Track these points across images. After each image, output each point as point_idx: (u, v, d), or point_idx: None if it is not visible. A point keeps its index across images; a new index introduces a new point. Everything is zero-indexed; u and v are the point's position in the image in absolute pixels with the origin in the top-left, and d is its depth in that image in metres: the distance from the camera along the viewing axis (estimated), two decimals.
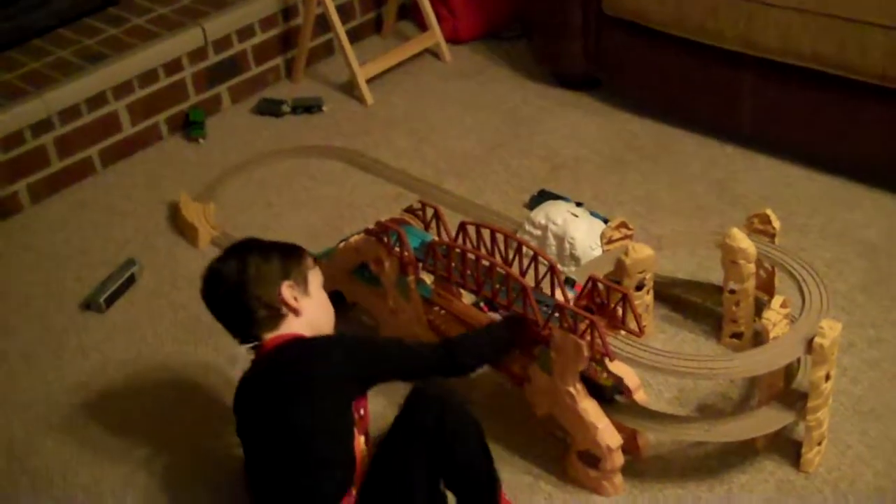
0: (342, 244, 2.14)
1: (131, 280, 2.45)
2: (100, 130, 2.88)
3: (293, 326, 1.74)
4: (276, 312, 1.73)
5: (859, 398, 1.99)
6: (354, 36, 3.32)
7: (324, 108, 3.10)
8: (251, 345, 1.74)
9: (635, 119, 2.91)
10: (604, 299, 1.79)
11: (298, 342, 1.73)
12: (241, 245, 1.82)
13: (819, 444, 1.84)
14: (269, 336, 1.73)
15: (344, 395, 1.68)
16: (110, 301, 2.40)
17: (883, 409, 1.96)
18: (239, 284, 1.73)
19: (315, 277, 1.81)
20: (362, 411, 1.73)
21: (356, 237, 2.10)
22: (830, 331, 1.73)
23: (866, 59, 2.37)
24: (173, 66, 2.99)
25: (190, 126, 3.03)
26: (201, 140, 3.00)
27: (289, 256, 1.79)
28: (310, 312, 1.76)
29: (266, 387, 1.69)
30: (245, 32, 3.12)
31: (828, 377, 1.76)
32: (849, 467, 1.86)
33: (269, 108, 3.11)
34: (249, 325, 1.74)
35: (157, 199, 2.76)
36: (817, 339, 1.72)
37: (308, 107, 3.10)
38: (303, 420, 1.63)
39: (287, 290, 1.73)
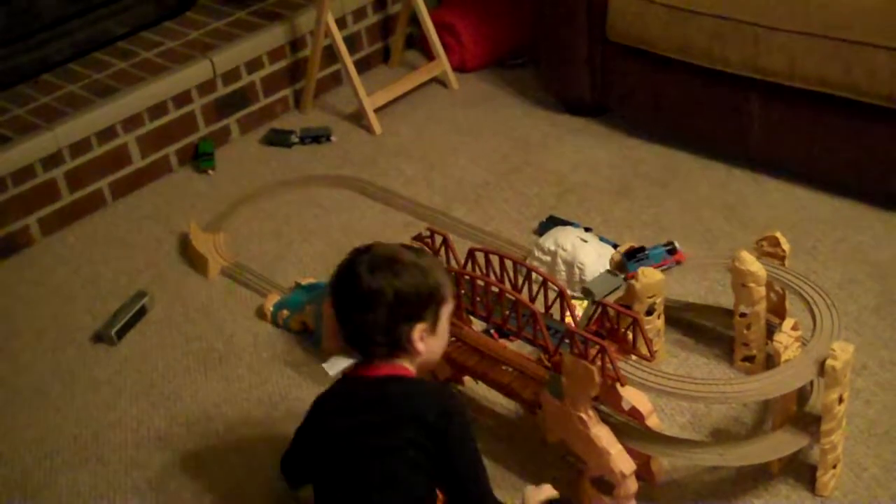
0: None
1: (142, 312, 2.46)
2: (110, 163, 2.90)
3: (405, 362, 1.66)
4: (397, 347, 1.64)
5: (873, 420, 1.98)
6: (362, 66, 3.34)
7: (332, 138, 3.12)
8: (354, 362, 1.68)
9: (643, 144, 2.92)
10: (614, 324, 1.79)
11: (412, 384, 1.65)
12: (398, 260, 1.64)
13: (834, 467, 1.83)
14: (379, 362, 1.65)
15: (428, 465, 1.60)
16: (121, 333, 2.40)
17: None
18: (372, 303, 1.61)
19: (446, 311, 1.69)
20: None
21: None
22: (842, 353, 1.72)
23: (873, 81, 2.38)
24: (182, 99, 3.01)
25: (199, 157, 3.05)
26: (211, 171, 3.02)
27: (434, 293, 1.65)
28: (428, 352, 1.67)
29: (367, 417, 1.62)
30: (253, 64, 3.15)
31: (841, 400, 1.75)
32: (864, 490, 1.84)
33: (278, 139, 3.13)
34: (364, 341, 1.65)
35: (167, 231, 2.78)
36: (829, 362, 1.71)
37: (317, 137, 3.12)
38: (392, 466, 1.58)
39: (418, 333, 1.63)
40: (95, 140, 2.84)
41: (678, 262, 2.02)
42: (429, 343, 1.65)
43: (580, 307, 2.09)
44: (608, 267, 2.13)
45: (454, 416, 1.61)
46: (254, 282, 2.52)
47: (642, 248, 2.01)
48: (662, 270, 1.97)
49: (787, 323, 1.83)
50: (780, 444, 1.80)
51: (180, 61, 3.04)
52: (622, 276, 1.97)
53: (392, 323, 1.61)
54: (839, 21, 2.40)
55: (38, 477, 2.07)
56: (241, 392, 2.22)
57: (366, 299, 1.60)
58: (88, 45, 3.15)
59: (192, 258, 2.63)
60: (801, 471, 1.87)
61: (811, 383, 1.84)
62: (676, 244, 2.03)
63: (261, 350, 2.33)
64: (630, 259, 1.98)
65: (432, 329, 1.65)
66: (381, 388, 1.64)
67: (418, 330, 1.63)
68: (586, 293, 1.93)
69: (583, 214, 2.63)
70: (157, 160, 3.01)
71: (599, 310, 1.80)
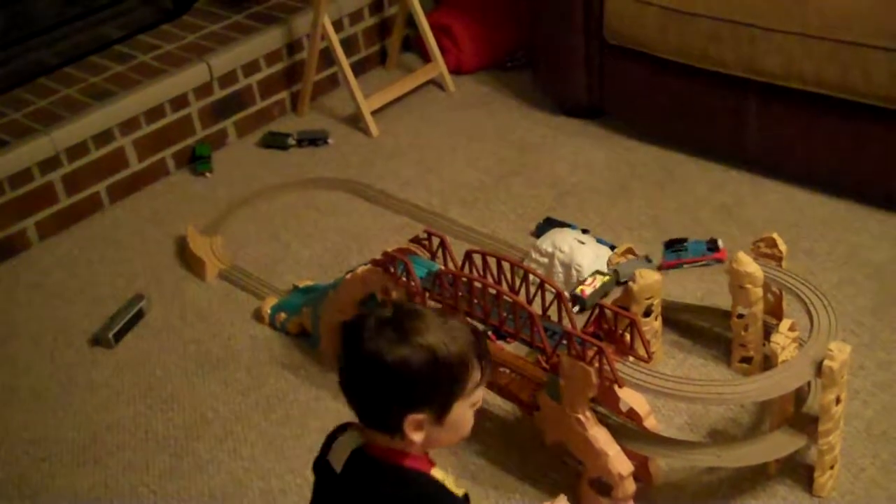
0: (349, 275, 2.15)
1: (139, 315, 2.46)
2: (107, 166, 2.90)
3: (406, 446, 1.36)
4: (389, 430, 1.35)
5: (871, 421, 1.98)
6: (359, 69, 3.34)
7: (329, 141, 3.12)
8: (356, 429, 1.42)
9: (640, 146, 2.92)
10: (612, 326, 1.79)
11: (409, 483, 1.37)
12: (415, 322, 1.33)
13: (831, 467, 1.83)
14: (379, 439, 1.37)
15: None
16: (119, 336, 2.40)
17: (895, 432, 1.95)
18: (366, 369, 1.33)
19: (468, 401, 1.36)
20: None
21: (363, 268, 2.10)
22: (840, 353, 1.72)
23: (870, 82, 2.38)
24: (179, 102, 3.01)
25: (196, 160, 3.05)
26: (208, 174, 3.02)
27: (450, 375, 1.32)
28: (430, 443, 1.36)
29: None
30: (250, 67, 3.15)
31: (838, 400, 1.75)
32: (862, 491, 1.85)
33: (275, 142, 3.13)
34: (356, 410, 1.38)
35: (165, 234, 2.77)
36: (827, 362, 1.71)
37: (313, 139, 3.12)
38: None
39: (412, 423, 1.32)
40: (92, 143, 2.84)
41: (718, 261, 1.97)
42: (431, 434, 1.34)
43: (601, 280, 2.05)
44: (605, 268, 2.14)
45: None
46: (251, 285, 2.52)
47: (683, 240, 1.97)
48: (699, 266, 1.95)
49: (785, 324, 1.83)
50: (778, 445, 1.80)
51: (177, 64, 3.04)
52: (655, 263, 1.96)
53: (385, 399, 1.32)
54: (836, 22, 2.40)
55: (35, 479, 2.07)
56: (238, 395, 2.22)
57: (363, 361, 1.33)
58: (85, 49, 3.15)
59: (189, 261, 2.63)
60: (799, 471, 1.87)
61: (809, 384, 1.84)
62: (720, 242, 1.98)
63: (258, 353, 2.33)
64: (668, 248, 1.96)
65: (436, 419, 1.33)
66: (378, 483, 1.38)
67: (412, 420, 1.32)
68: (614, 274, 1.93)
69: (580, 216, 2.63)
70: (154, 163, 3.01)
71: (597, 311, 1.80)
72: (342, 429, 1.44)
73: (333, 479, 1.42)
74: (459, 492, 1.39)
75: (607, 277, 2.03)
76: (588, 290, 2.07)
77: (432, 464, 1.41)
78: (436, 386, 1.31)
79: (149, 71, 3.02)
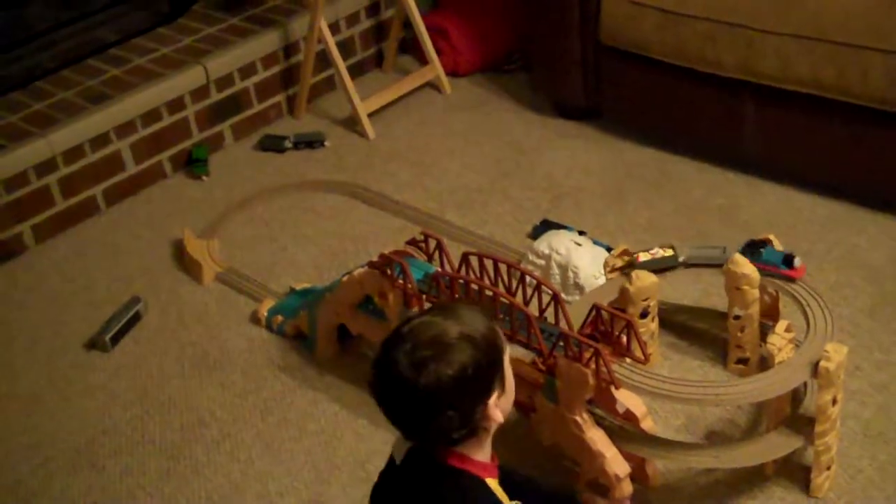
0: (346, 277, 2.15)
1: (136, 318, 2.46)
2: (104, 170, 2.89)
3: (472, 449, 1.40)
4: (474, 433, 1.37)
5: (868, 422, 1.98)
6: (355, 71, 3.34)
7: (326, 143, 3.12)
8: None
9: (636, 147, 2.92)
10: (608, 327, 1.79)
11: (466, 488, 1.39)
12: (441, 338, 1.34)
13: (828, 468, 1.83)
14: (445, 451, 1.39)
15: None
16: (116, 339, 2.40)
17: (892, 433, 1.95)
18: (434, 405, 1.32)
19: (507, 357, 1.42)
20: None
21: (360, 270, 2.10)
22: (836, 354, 1.72)
23: (866, 84, 2.38)
24: (176, 105, 3.01)
25: (193, 163, 3.04)
26: (205, 177, 3.02)
27: (494, 351, 1.37)
28: (504, 411, 1.41)
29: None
30: (247, 70, 3.15)
31: (835, 401, 1.75)
32: (859, 491, 1.85)
33: (272, 144, 3.13)
34: (423, 434, 1.38)
35: (161, 237, 2.77)
36: (823, 363, 1.71)
37: (310, 142, 3.12)
38: None
39: (493, 404, 1.36)
40: (89, 147, 2.84)
41: (789, 278, 1.90)
42: (502, 403, 1.40)
43: (661, 254, 2.00)
44: (602, 271, 2.13)
45: None
46: (248, 287, 2.52)
47: (764, 243, 1.92)
48: (766, 275, 1.92)
49: (781, 325, 1.83)
50: (775, 445, 1.80)
51: (173, 67, 3.04)
52: (727, 254, 1.95)
53: (466, 411, 1.34)
54: (832, 24, 2.40)
55: (32, 483, 2.07)
56: (235, 398, 2.22)
57: (425, 404, 1.32)
58: (81, 52, 3.15)
59: (186, 264, 2.63)
60: (796, 472, 1.87)
61: (805, 385, 1.84)
62: (798, 260, 1.90)
63: (255, 356, 2.33)
64: (747, 247, 1.93)
65: (502, 387, 1.39)
66: (436, 485, 1.40)
67: (493, 401, 1.36)
68: (675, 251, 1.94)
69: (577, 218, 2.63)
70: (151, 166, 3.01)
71: (594, 313, 1.80)
72: None
73: (393, 470, 1.44)
74: None
75: (668, 253, 2.00)
76: (643, 257, 2.02)
77: (493, 472, 1.42)
78: (494, 360, 1.36)
79: (145, 74, 3.02)
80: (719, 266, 1.97)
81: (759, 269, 1.93)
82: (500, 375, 1.38)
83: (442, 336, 1.33)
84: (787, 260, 1.91)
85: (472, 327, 1.35)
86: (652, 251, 1.99)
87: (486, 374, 1.35)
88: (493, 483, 1.40)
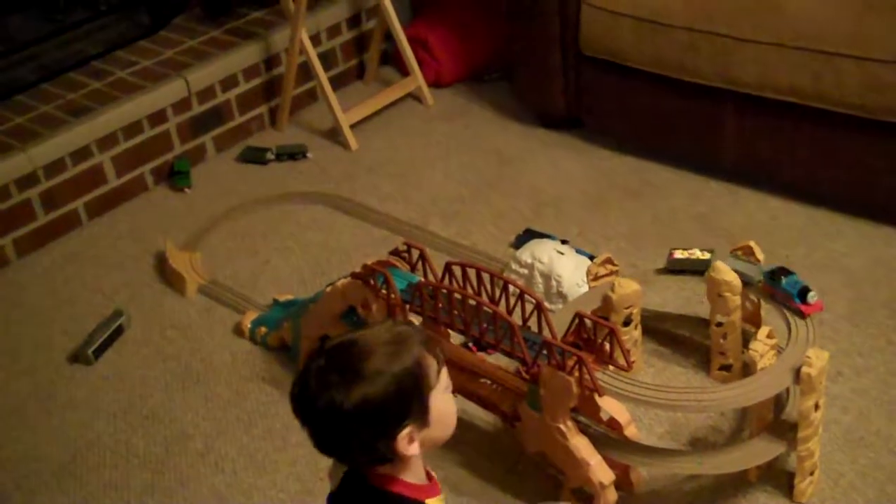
0: (329, 288, 2.15)
1: (119, 331, 2.45)
2: (85, 183, 2.89)
3: (400, 472, 1.36)
4: (383, 460, 1.33)
5: (849, 427, 1.99)
6: (337, 83, 3.35)
7: (308, 155, 3.12)
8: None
9: (617, 156, 2.94)
10: (591, 335, 1.80)
11: None
12: (354, 361, 1.30)
13: (811, 473, 1.84)
14: (373, 469, 1.36)
15: None
16: (98, 353, 2.39)
17: (873, 438, 1.97)
18: (333, 422, 1.30)
19: (440, 390, 1.36)
20: None
21: (343, 281, 2.10)
22: (818, 360, 1.73)
23: (842, 91, 2.40)
24: (157, 118, 3.01)
25: (175, 176, 3.04)
26: (187, 189, 3.02)
27: (412, 386, 1.31)
28: (429, 444, 1.36)
29: None
30: (228, 82, 3.15)
31: (817, 407, 1.76)
32: (842, 496, 1.86)
33: (254, 156, 3.13)
34: (345, 453, 1.36)
35: (144, 250, 2.77)
36: (805, 369, 1.72)
37: (292, 154, 3.12)
38: None
39: (403, 440, 1.31)
40: (70, 160, 2.83)
41: (800, 313, 1.86)
42: (425, 436, 1.33)
43: (699, 255, 2.01)
44: (584, 279, 2.14)
45: None
46: (231, 299, 2.52)
47: (788, 272, 1.89)
48: (778, 303, 1.89)
49: (763, 331, 1.84)
50: (758, 451, 1.81)
51: (155, 80, 3.03)
52: (758, 274, 1.93)
53: (366, 442, 1.30)
54: (809, 32, 2.43)
55: (16, 498, 2.05)
56: (219, 410, 2.21)
57: (324, 424, 1.31)
58: (62, 66, 3.14)
59: (169, 277, 2.63)
60: (779, 478, 1.88)
61: (787, 391, 1.86)
62: (813, 296, 1.85)
63: (239, 367, 2.32)
64: (771, 275, 1.90)
65: (423, 422, 1.32)
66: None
67: (402, 437, 1.30)
68: (711, 256, 1.97)
69: (559, 227, 2.64)
70: (133, 179, 3.00)
71: (577, 321, 1.81)
72: None
73: (330, 497, 1.42)
74: None
75: (706, 256, 2.00)
76: (677, 254, 2.01)
77: (431, 493, 1.38)
78: (405, 397, 1.30)
79: (126, 87, 3.02)
80: (752, 284, 1.96)
81: (772, 296, 1.91)
82: (416, 410, 1.31)
83: (355, 364, 1.29)
84: (803, 293, 1.86)
85: (393, 360, 1.30)
86: (690, 251, 2.00)
87: (392, 411, 1.29)
88: (434, 501, 1.36)
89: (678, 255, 2.02)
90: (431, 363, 1.34)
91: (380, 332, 1.36)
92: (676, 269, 2.05)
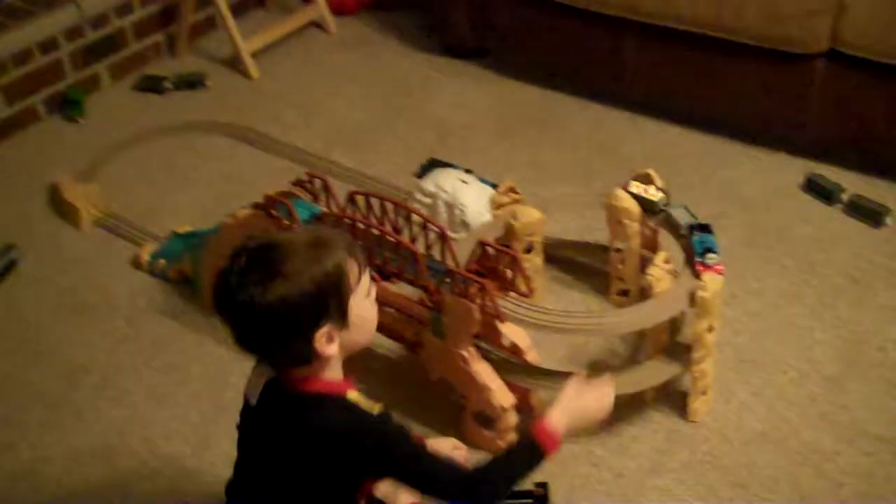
0: (229, 219, 2.11)
1: (11, 265, 2.38)
2: None
3: (322, 371, 1.38)
4: (302, 361, 1.36)
5: (742, 348, 2.06)
6: (238, 9, 3.26)
7: (208, 84, 3.04)
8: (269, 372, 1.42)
9: (522, 86, 2.94)
10: (494, 263, 1.81)
11: (324, 407, 1.38)
12: (275, 259, 1.31)
13: (704, 393, 1.90)
14: (292, 373, 1.39)
15: (353, 479, 1.46)
16: None
17: (765, 359, 2.04)
18: (250, 318, 1.32)
19: (360, 293, 1.37)
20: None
21: (244, 212, 2.07)
22: (712, 283, 1.78)
23: (742, 21, 2.44)
24: (48, 45, 2.89)
25: (68, 105, 2.94)
26: (80, 119, 2.92)
27: (329, 287, 1.32)
28: (348, 346, 1.39)
29: (279, 439, 1.40)
30: (123, 8, 3.04)
31: (711, 329, 1.81)
32: (734, 414, 1.92)
33: (151, 85, 3.04)
34: (266, 354, 1.40)
35: (37, 182, 2.67)
36: (700, 293, 1.76)
37: (191, 82, 3.04)
38: (304, 484, 1.41)
39: (321, 339, 1.34)
40: None
41: (695, 271, 1.81)
42: (344, 338, 1.36)
43: (652, 195, 2.00)
44: (488, 208, 2.15)
45: (364, 445, 1.38)
46: (129, 232, 2.46)
47: (708, 228, 1.88)
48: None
49: (660, 257, 1.88)
50: (653, 373, 1.86)
51: (45, 6, 2.91)
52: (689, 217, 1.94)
53: (282, 337, 1.33)
54: None
55: None
56: (118, 343, 2.17)
57: (243, 315, 1.32)
58: None
59: (63, 209, 2.55)
60: (674, 398, 1.94)
61: (683, 314, 1.90)
62: (713, 258, 1.80)
63: (137, 301, 2.28)
64: (693, 228, 1.88)
65: (342, 324, 1.35)
66: (296, 413, 1.39)
67: (320, 336, 1.33)
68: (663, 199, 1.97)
69: (463, 156, 2.64)
70: (24, 109, 2.89)
71: (479, 249, 1.81)
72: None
73: (251, 413, 1.43)
74: (375, 408, 1.40)
75: (655, 197, 1.97)
76: (634, 188, 2.00)
77: (349, 387, 1.41)
78: (323, 298, 1.32)
79: (15, 12, 2.89)
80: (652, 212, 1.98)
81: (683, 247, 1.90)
82: (334, 312, 1.33)
83: (275, 263, 1.31)
84: (708, 251, 1.83)
85: (313, 262, 1.32)
86: (647, 186, 1.99)
87: (309, 311, 1.31)
88: (353, 395, 1.40)
89: (634, 187, 2.01)
90: (353, 267, 1.36)
91: (303, 234, 1.40)
92: None
